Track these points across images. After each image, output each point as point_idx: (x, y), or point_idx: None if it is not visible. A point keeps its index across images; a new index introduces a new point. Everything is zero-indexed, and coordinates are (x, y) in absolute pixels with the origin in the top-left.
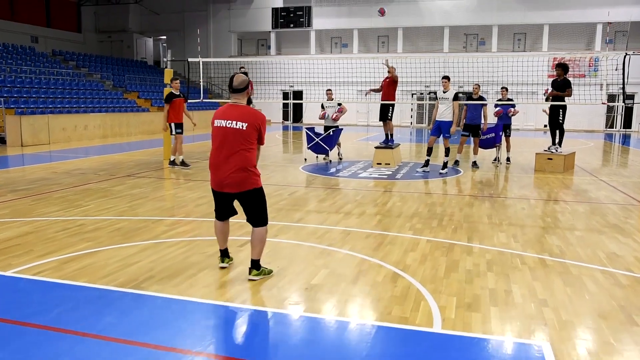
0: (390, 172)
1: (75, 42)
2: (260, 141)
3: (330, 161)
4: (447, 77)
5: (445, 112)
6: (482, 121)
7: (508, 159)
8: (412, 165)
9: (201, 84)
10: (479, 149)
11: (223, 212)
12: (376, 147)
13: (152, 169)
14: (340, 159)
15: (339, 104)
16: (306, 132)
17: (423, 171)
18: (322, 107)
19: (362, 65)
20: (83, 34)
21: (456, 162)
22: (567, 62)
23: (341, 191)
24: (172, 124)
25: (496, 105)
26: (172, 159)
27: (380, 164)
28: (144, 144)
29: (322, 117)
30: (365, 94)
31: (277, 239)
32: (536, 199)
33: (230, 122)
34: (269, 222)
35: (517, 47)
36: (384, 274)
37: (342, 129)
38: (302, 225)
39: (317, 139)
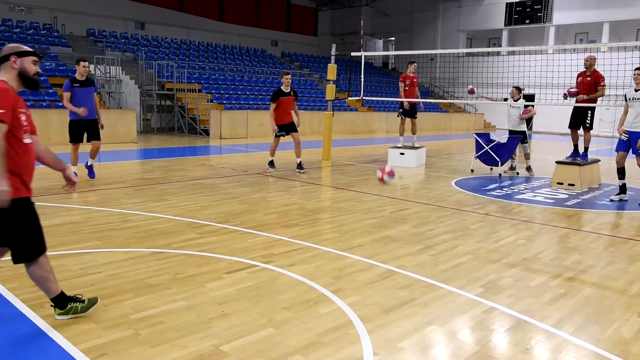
0: (566, 197)
1: (311, 45)
2: (13, 130)
3: (500, 175)
4: None
5: None
6: None
7: None
8: (612, 189)
9: (362, 80)
10: None
11: None
12: (558, 162)
13: (281, 170)
14: (517, 173)
15: (526, 106)
16: (475, 138)
17: (619, 199)
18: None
19: (612, 61)
20: (319, 37)
21: None
22: None
23: (463, 215)
24: None
25: None
26: None
27: (561, 183)
28: (318, 144)
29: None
30: (564, 97)
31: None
32: None
33: None
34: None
35: None
36: None
37: (520, 137)
38: (317, 247)
39: (486, 147)
